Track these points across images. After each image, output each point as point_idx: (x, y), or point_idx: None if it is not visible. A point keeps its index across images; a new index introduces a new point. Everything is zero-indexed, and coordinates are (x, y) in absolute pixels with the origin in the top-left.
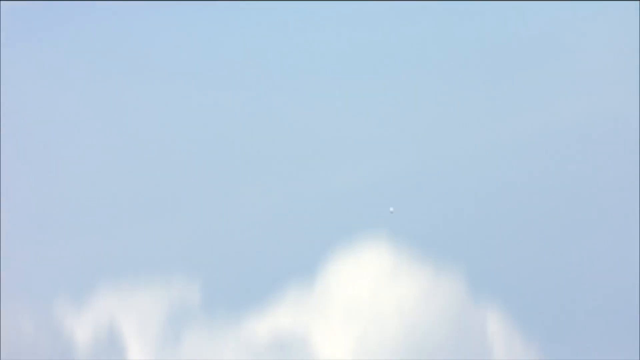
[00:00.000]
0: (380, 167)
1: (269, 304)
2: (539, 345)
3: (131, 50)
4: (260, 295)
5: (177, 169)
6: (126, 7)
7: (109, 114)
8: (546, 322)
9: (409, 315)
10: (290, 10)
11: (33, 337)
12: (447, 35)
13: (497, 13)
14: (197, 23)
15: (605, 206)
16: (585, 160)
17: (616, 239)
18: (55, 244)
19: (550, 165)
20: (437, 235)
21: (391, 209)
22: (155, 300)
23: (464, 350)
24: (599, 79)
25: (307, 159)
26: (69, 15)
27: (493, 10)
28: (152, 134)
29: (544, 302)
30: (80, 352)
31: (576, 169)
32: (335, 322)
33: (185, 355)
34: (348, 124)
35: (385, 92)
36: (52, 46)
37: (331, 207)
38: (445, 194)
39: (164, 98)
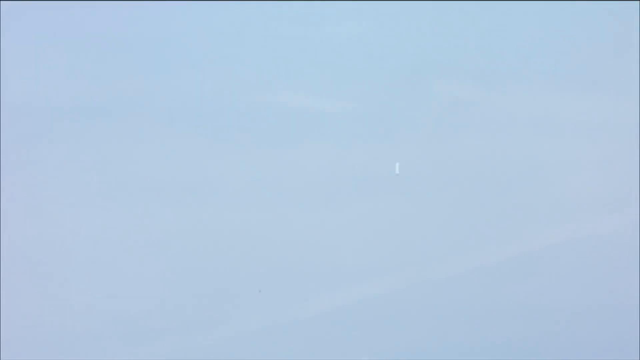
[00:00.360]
0: (359, 293)
1: None
2: None
3: (116, 173)
4: None
5: (168, 288)
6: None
7: (99, 233)
8: None
9: None
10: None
11: None
12: (428, 159)
13: (479, 138)
14: (188, 149)
15: (601, 335)
16: (576, 285)
17: None
18: None
19: (538, 291)
20: None
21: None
22: None
23: None
24: (588, 202)
25: (290, 285)
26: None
27: (474, 134)
28: (143, 252)
29: None
30: None
31: (567, 296)
32: None
33: None
34: (335, 247)
35: (365, 219)
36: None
37: (313, 333)
38: (429, 319)
39: (160, 216)
